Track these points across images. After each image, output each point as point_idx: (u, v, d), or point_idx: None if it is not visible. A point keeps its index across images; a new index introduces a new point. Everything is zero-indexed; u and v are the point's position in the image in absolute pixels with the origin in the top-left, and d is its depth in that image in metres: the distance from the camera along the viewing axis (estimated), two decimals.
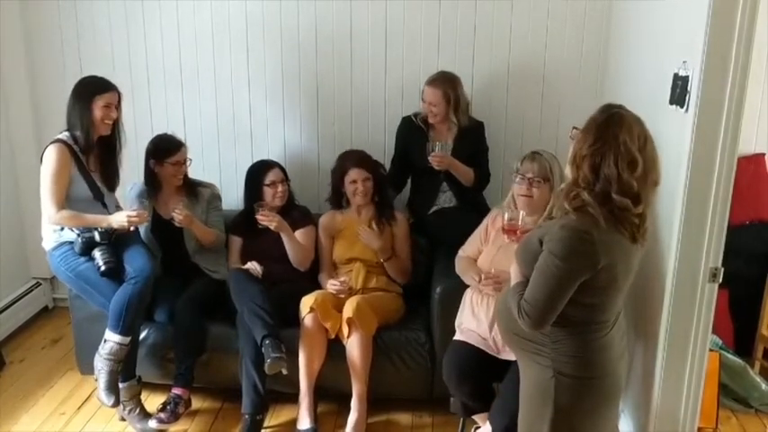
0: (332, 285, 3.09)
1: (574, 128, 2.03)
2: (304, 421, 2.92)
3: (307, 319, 2.94)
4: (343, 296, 3.04)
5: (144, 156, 3.22)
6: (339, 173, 3.26)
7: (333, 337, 2.95)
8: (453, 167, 3.25)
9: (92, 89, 2.88)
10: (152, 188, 3.24)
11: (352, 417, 2.92)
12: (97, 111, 2.87)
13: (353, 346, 2.91)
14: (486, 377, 2.67)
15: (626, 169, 1.88)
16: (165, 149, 3.18)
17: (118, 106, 2.93)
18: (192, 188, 3.28)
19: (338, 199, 3.31)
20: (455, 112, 3.26)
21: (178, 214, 3.04)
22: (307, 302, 2.96)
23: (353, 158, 3.26)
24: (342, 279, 3.12)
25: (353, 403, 2.93)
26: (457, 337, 2.73)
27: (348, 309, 2.92)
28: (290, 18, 3.58)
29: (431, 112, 3.25)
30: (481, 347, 2.63)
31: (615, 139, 1.88)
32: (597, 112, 1.99)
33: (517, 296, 1.99)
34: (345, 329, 2.91)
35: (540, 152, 2.67)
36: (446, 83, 3.23)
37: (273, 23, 3.60)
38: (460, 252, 2.91)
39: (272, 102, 3.72)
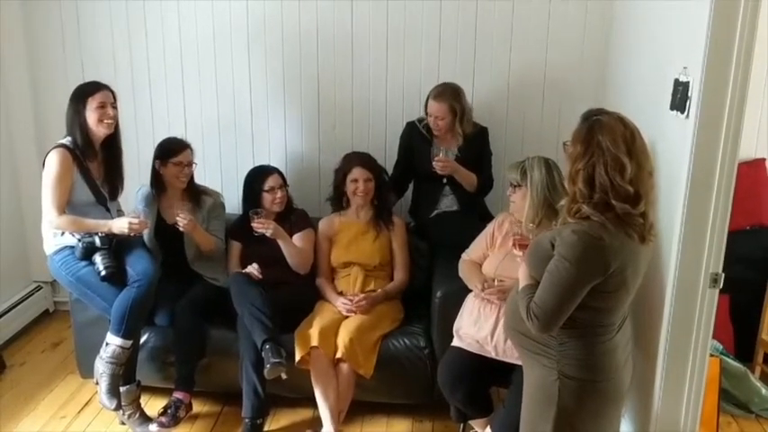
0: (342, 304, 3.08)
1: (564, 143, 2.05)
2: None
3: (314, 355, 2.89)
4: (352, 314, 3.03)
5: (151, 158, 3.22)
6: (342, 172, 3.27)
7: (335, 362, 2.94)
8: (457, 172, 3.25)
9: (83, 91, 2.89)
10: (157, 191, 3.24)
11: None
12: (91, 112, 2.86)
13: (342, 377, 2.90)
14: (482, 383, 2.67)
15: (617, 175, 1.89)
16: (169, 149, 3.18)
17: (114, 105, 2.93)
18: (196, 194, 3.27)
19: (339, 198, 3.32)
20: (460, 124, 3.26)
21: (182, 219, 3.04)
22: (306, 340, 2.91)
23: (358, 158, 3.27)
24: (351, 297, 3.09)
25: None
26: (454, 343, 2.72)
27: (341, 344, 2.90)
28: (292, 21, 3.59)
29: (436, 125, 3.25)
30: (479, 353, 2.62)
31: (600, 147, 1.91)
32: (579, 122, 2.00)
33: (527, 299, 2.00)
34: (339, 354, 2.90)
35: (528, 158, 2.68)
36: (451, 96, 3.22)
37: (275, 27, 3.61)
38: (464, 255, 2.90)
39: (274, 105, 3.73)
